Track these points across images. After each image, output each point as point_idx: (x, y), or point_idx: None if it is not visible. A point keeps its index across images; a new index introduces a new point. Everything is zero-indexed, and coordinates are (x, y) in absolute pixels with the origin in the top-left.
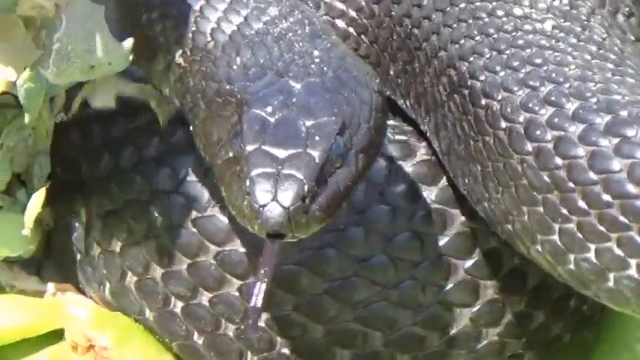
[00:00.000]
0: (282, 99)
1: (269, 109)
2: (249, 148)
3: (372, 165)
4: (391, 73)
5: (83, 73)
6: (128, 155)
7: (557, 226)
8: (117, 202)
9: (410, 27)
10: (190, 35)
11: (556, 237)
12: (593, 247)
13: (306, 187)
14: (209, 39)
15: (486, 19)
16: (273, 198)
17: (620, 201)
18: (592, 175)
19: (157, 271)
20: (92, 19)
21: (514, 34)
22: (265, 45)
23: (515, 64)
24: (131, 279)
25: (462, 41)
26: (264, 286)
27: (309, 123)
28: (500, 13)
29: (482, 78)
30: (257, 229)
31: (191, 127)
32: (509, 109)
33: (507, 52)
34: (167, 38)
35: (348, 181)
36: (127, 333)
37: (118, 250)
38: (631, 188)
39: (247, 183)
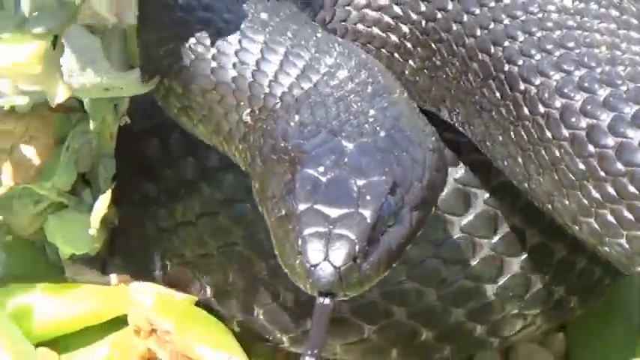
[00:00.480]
0: (334, 158)
1: (321, 168)
2: (302, 207)
3: (427, 221)
4: (406, 72)
5: (99, 93)
6: (193, 165)
7: (593, 210)
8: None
9: (425, 22)
10: (262, 97)
11: (593, 220)
12: (625, 233)
13: (357, 247)
14: (277, 101)
15: (509, 2)
16: (325, 258)
17: None
18: (620, 166)
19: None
20: (90, 48)
21: (540, 15)
22: (325, 105)
23: (549, 47)
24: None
25: (492, 25)
26: (318, 339)
27: (360, 182)
28: None
29: (519, 62)
30: (309, 288)
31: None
32: (546, 94)
33: (539, 34)
34: (239, 99)
35: (400, 239)
36: (189, 317)
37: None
38: None
39: (299, 242)
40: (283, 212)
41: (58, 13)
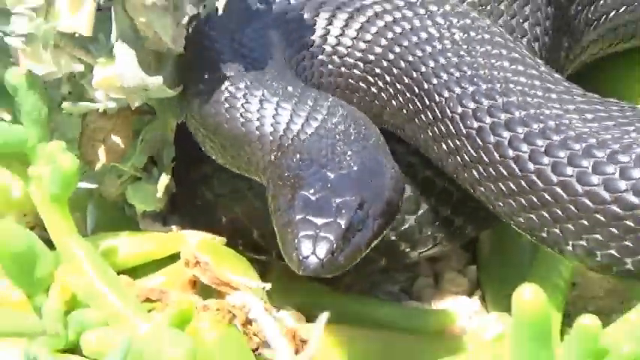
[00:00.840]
0: (321, 184)
1: (312, 191)
2: (298, 217)
3: (388, 227)
4: (372, 102)
5: (141, 96)
6: None
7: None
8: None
9: (364, 64)
10: (278, 143)
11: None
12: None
13: (334, 245)
14: (288, 144)
15: (420, 40)
16: (312, 252)
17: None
18: (496, 156)
19: None
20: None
21: (440, 47)
22: (318, 147)
23: (451, 70)
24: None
25: (410, 58)
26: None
27: (338, 200)
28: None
29: (433, 81)
30: (301, 272)
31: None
32: (451, 104)
33: (442, 61)
34: (264, 145)
35: (366, 240)
36: (222, 254)
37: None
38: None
39: (295, 241)
40: (286, 220)
41: (135, 42)
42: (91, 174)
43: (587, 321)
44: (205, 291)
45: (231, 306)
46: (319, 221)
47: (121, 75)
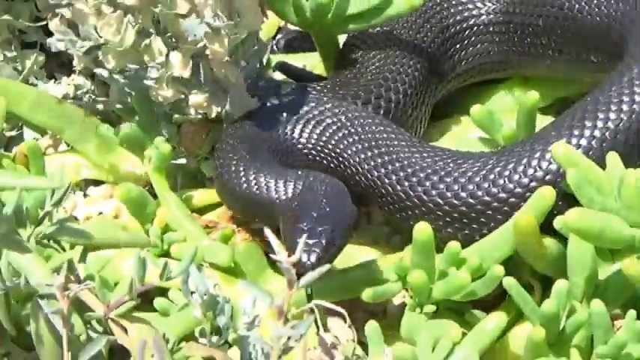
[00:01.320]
0: (309, 219)
1: (305, 224)
2: (297, 239)
3: (347, 242)
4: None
5: (215, 112)
6: None
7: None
8: None
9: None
10: (285, 203)
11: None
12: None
13: (320, 255)
14: (290, 201)
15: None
16: (308, 259)
17: None
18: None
19: None
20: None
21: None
22: (306, 200)
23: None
24: None
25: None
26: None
27: (319, 229)
28: None
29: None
30: (302, 271)
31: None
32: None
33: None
34: (276, 210)
35: (336, 250)
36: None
37: None
38: None
39: (298, 254)
40: (290, 242)
41: (212, 82)
42: (180, 155)
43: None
44: (238, 221)
45: (252, 231)
46: (310, 241)
47: (205, 99)
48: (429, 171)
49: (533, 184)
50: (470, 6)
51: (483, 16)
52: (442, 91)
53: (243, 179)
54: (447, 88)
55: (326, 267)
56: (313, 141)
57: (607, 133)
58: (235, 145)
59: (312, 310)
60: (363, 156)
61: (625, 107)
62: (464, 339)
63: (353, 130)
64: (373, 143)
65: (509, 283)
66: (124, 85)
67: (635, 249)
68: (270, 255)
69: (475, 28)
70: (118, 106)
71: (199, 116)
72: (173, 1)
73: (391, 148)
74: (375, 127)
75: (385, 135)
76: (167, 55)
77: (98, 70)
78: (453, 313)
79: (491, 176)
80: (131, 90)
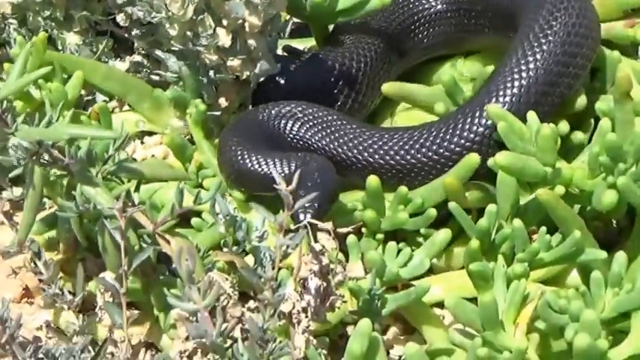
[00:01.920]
0: (305, 188)
1: (301, 191)
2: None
3: (331, 206)
4: None
5: (245, 74)
6: None
7: None
8: None
9: None
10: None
11: None
12: None
13: (312, 215)
14: (290, 173)
15: None
16: (304, 218)
17: None
18: None
19: None
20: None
21: None
22: (303, 172)
23: None
24: None
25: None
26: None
27: (313, 195)
28: None
29: None
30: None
31: None
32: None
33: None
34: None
35: (323, 212)
36: None
37: None
38: None
39: (296, 210)
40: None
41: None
42: (216, 109)
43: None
44: None
45: None
46: (306, 204)
47: (239, 65)
48: (376, 142)
49: (468, 143)
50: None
51: (439, 6)
52: (404, 65)
53: (250, 162)
54: (409, 63)
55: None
56: (293, 133)
57: (519, 93)
58: (237, 137)
59: (305, 227)
60: (327, 140)
61: (524, 74)
62: (419, 248)
63: (317, 124)
64: (333, 130)
65: (453, 206)
66: (173, 61)
67: (547, 182)
68: (274, 186)
69: (432, 15)
70: (169, 74)
71: (234, 77)
72: None
73: (348, 133)
74: (331, 119)
75: (341, 123)
76: (214, 29)
77: (157, 52)
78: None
79: (431, 139)
80: (182, 60)
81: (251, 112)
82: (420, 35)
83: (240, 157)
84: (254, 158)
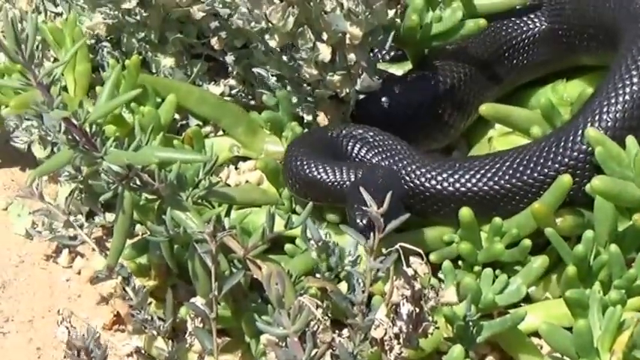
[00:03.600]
0: (370, 192)
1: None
2: (362, 207)
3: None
4: None
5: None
6: None
7: None
8: None
9: None
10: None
11: None
12: None
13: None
14: (354, 179)
15: None
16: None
17: None
18: None
19: None
20: None
21: None
22: (367, 179)
23: None
24: None
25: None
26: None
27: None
28: None
29: None
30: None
31: None
32: None
33: None
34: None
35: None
36: None
37: None
38: None
39: (358, 221)
40: (353, 214)
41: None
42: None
43: None
44: None
45: None
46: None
47: (338, 80)
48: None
49: (562, 168)
50: (519, 22)
51: (536, 28)
52: (501, 89)
53: (315, 170)
54: (506, 87)
55: (405, 216)
56: (360, 156)
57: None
58: (303, 149)
59: (396, 250)
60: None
61: (620, 98)
62: (515, 275)
63: (385, 150)
64: (401, 158)
65: (550, 232)
66: (273, 81)
67: None
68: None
69: (526, 39)
70: (265, 97)
71: (333, 93)
72: (322, 2)
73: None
74: (400, 148)
75: (410, 153)
76: (314, 41)
77: (256, 69)
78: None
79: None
80: (279, 81)
81: (321, 129)
82: (516, 60)
83: (305, 166)
84: (319, 166)
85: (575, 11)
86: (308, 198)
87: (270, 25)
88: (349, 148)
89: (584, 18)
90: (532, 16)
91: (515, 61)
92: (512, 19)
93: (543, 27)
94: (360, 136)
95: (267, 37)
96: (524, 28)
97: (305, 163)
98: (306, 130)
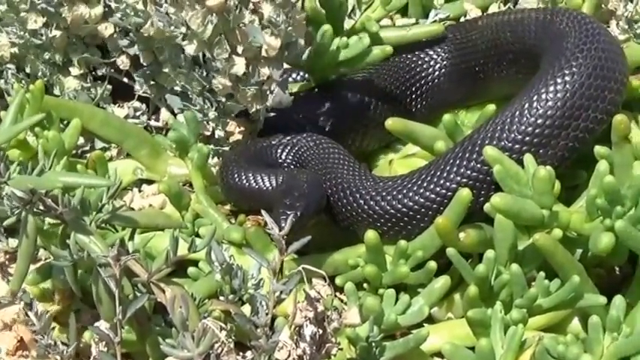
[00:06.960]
0: (292, 197)
1: (288, 200)
2: (281, 210)
3: (316, 217)
4: None
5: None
6: None
7: None
8: None
9: None
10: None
11: None
12: None
13: (294, 222)
14: (277, 185)
15: None
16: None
17: None
18: None
19: None
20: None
21: None
22: (290, 184)
23: None
24: None
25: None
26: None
27: (298, 204)
28: None
29: None
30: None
31: None
32: None
33: None
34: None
35: (306, 222)
36: None
37: None
38: None
39: (283, 225)
40: (275, 216)
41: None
42: (222, 143)
43: None
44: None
45: (261, 219)
46: (289, 212)
47: (251, 95)
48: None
49: (463, 180)
50: (424, 57)
51: (444, 62)
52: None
53: (244, 178)
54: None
55: (306, 239)
56: (288, 162)
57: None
58: (236, 158)
59: (299, 273)
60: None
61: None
62: (418, 295)
63: (314, 153)
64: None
65: (452, 252)
66: (175, 105)
67: (544, 225)
68: (266, 229)
69: (431, 75)
70: (170, 119)
71: (243, 107)
72: (241, 13)
73: (341, 174)
74: (329, 152)
75: (336, 161)
76: (230, 53)
77: (166, 95)
78: None
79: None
80: (185, 100)
81: (258, 140)
82: (421, 98)
83: (235, 175)
84: (243, 174)
85: (489, 42)
86: (244, 206)
87: (189, 31)
88: (278, 155)
89: (502, 46)
90: (440, 51)
91: (418, 100)
92: (419, 54)
93: (452, 63)
94: (292, 144)
95: (184, 42)
96: (432, 64)
97: (236, 171)
98: (212, 149)
